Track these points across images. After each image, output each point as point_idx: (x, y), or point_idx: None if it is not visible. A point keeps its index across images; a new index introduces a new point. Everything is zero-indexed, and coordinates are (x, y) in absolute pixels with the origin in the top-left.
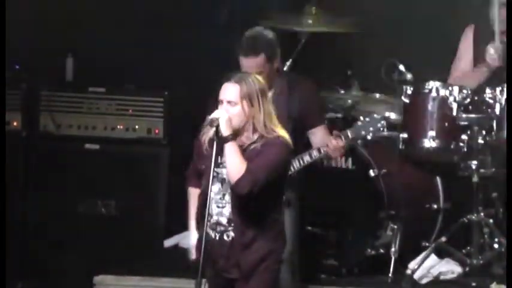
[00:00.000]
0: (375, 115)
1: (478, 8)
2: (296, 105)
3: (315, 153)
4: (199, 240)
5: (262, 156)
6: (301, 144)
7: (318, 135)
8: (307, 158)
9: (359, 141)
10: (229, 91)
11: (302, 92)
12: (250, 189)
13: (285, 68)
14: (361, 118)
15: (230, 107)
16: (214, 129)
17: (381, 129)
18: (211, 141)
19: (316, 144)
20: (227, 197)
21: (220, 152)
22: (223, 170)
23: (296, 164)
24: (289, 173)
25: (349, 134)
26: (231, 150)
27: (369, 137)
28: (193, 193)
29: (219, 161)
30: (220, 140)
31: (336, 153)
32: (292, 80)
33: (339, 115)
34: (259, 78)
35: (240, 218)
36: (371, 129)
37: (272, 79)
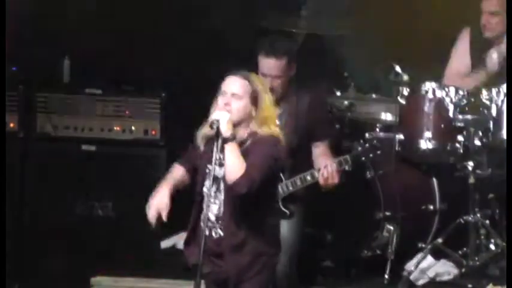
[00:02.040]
0: (375, 141)
1: (475, 11)
2: (305, 116)
3: (309, 178)
4: (187, 243)
5: (253, 155)
6: (301, 156)
7: (319, 150)
8: (298, 183)
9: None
10: (236, 84)
11: (311, 102)
12: (248, 189)
13: None
14: (361, 142)
15: (234, 99)
16: (215, 130)
17: (378, 153)
18: (209, 140)
19: (315, 158)
20: (218, 194)
21: (218, 146)
22: (216, 167)
23: (289, 187)
24: (282, 193)
25: (349, 160)
26: (231, 150)
27: (368, 162)
28: (177, 169)
29: (212, 158)
30: (221, 141)
31: (327, 182)
32: (302, 89)
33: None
34: (261, 78)
35: (230, 218)
36: (371, 155)
37: (286, 87)
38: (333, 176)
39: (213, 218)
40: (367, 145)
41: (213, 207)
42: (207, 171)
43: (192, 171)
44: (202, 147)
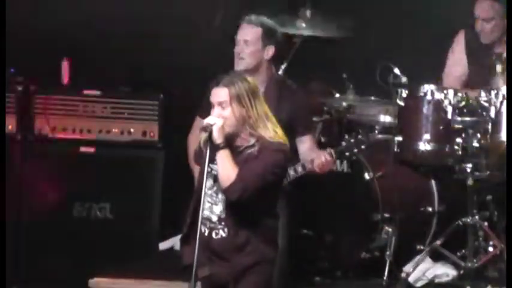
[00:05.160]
0: (360, 136)
1: (471, 13)
2: (286, 110)
3: (300, 169)
4: (185, 241)
5: (257, 162)
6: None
7: (306, 145)
8: (292, 173)
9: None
10: (219, 94)
11: (293, 98)
12: (240, 196)
13: (280, 72)
14: (346, 137)
15: (221, 109)
16: (207, 134)
17: (363, 148)
18: (204, 142)
19: (303, 153)
20: (220, 196)
21: (211, 148)
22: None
23: None
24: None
25: (333, 154)
26: (222, 158)
27: (353, 157)
28: None
29: (206, 159)
30: (213, 147)
31: (320, 170)
32: (283, 84)
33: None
34: (250, 79)
35: (233, 218)
36: (355, 150)
37: (258, 66)
38: (329, 163)
39: (215, 218)
40: (351, 140)
41: (215, 208)
42: (209, 170)
43: None
44: (204, 149)
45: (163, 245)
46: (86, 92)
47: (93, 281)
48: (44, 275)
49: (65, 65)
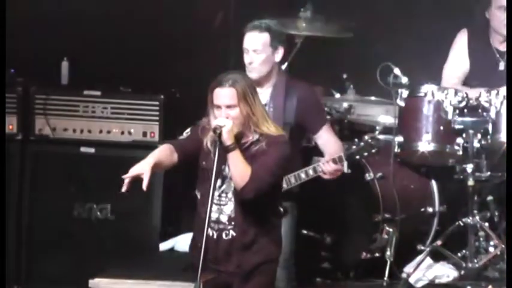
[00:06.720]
0: (369, 140)
1: (473, 12)
2: (294, 110)
3: (311, 172)
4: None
5: (267, 157)
6: (297, 150)
7: (324, 137)
8: (303, 176)
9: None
10: (226, 96)
11: (300, 96)
12: (255, 195)
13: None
14: (356, 141)
15: (230, 110)
16: (217, 136)
17: (374, 152)
18: (213, 143)
19: (322, 147)
20: (230, 195)
21: (221, 150)
22: (225, 168)
23: (292, 180)
24: (285, 187)
25: (343, 158)
26: (234, 159)
27: (363, 160)
28: (165, 147)
29: (215, 160)
30: (223, 148)
31: (330, 175)
32: (290, 83)
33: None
34: (247, 75)
35: (242, 216)
36: (365, 154)
37: (271, 71)
38: (337, 170)
39: (225, 219)
40: (361, 144)
41: (226, 208)
42: (218, 171)
43: (182, 156)
44: (211, 149)
45: (164, 246)
46: (86, 92)
47: (94, 282)
48: (44, 275)
49: (65, 65)
